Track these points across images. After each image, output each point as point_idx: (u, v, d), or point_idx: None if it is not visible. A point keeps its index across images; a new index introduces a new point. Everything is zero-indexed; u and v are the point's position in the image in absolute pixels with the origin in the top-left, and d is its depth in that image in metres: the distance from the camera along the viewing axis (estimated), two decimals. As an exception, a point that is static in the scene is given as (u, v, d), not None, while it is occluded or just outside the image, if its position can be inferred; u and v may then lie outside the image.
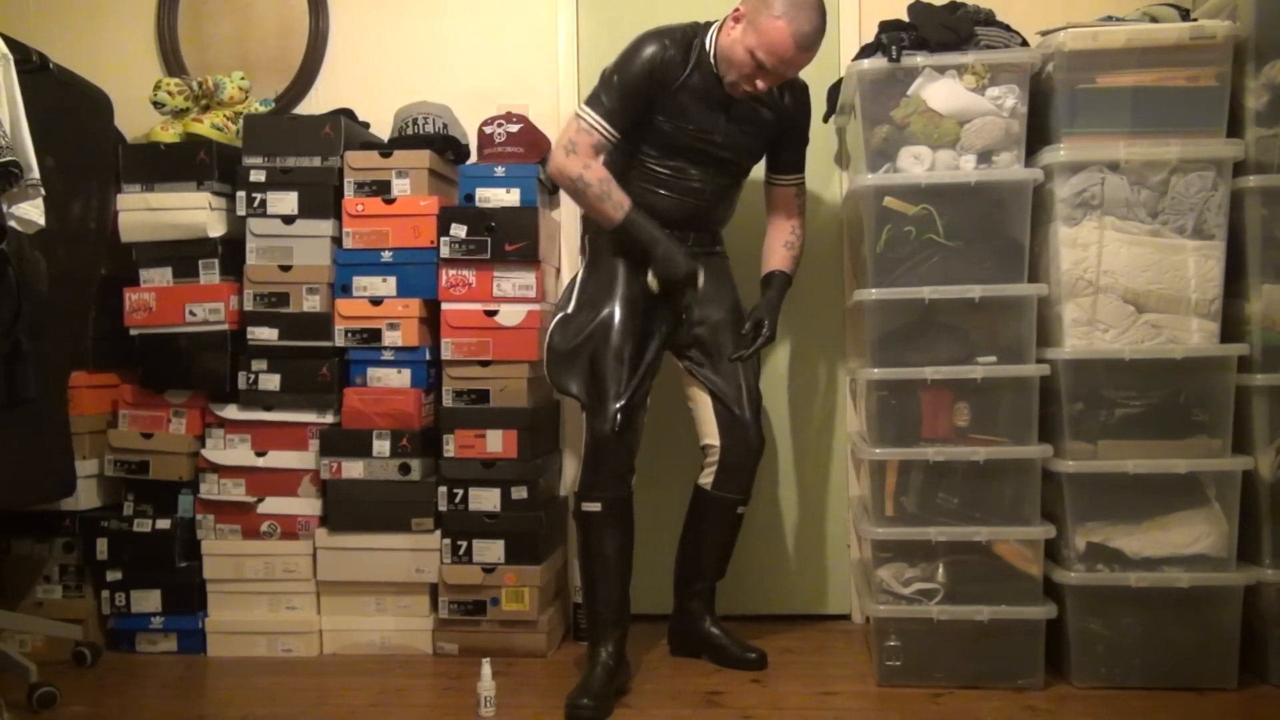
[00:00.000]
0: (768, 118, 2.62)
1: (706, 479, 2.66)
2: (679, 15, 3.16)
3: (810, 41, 2.42)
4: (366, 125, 3.13)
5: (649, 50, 2.50)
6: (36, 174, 2.26)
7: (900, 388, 2.51)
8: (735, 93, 2.51)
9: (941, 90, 2.50)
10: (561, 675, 2.59)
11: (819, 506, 3.15)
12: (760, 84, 2.47)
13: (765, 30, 2.39)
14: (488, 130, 2.95)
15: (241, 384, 2.86)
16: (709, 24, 2.56)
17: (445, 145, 2.99)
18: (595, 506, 2.47)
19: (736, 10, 2.48)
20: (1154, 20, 2.52)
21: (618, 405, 2.45)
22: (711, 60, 2.52)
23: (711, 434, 2.63)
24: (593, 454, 2.47)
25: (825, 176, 3.13)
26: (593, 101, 2.51)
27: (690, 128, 2.55)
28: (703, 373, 2.64)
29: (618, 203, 2.50)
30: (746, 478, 2.64)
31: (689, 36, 2.54)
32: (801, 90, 2.68)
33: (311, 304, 2.87)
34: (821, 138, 2.96)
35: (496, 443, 2.79)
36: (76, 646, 2.76)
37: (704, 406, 2.65)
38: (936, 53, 2.51)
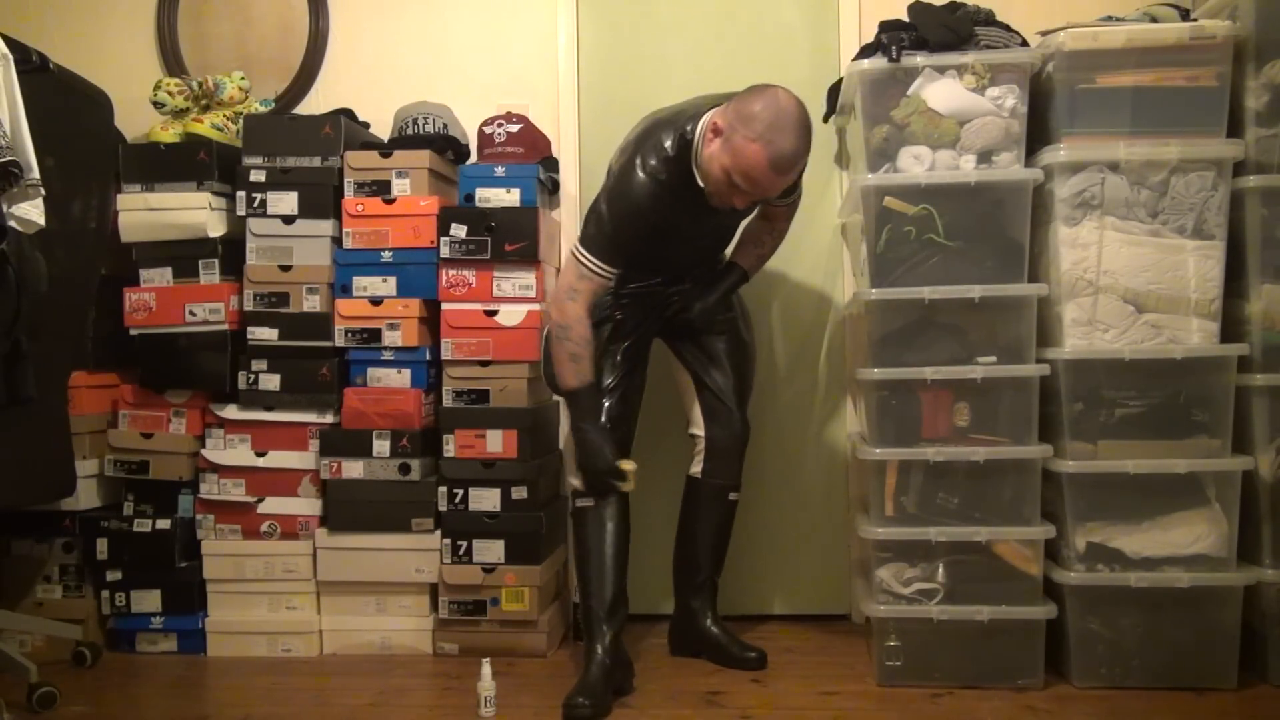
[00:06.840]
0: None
1: (696, 468, 2.70)
2: (679, 17, 3.19)
3: (788, 165, 2.25)
4: (366, 125, 3.13)
5: (640, 191, 2.33)
6: (36, 174, 2.26)
7: (900, 388, 2.51)
8: (715, 204, 2.37)
9: (941, 90, 2.50)
10: (561, 675, 2.59)
11: (819, 506, 3.15)
12: (738, 202, 2.33)
13: (740, 152, 2.22)
14: (488, 130, 2.95)
15: (241, 384, 2.86)
16: (708, 111, 2.35)
17: (445, 145, 2.99)
18: (588, 502, 2.49)
19: (715, 122, 2.29)
20: (1154, 20, 2.52)
21: (606, 402, 2.47)
22: (696, 169, 2.35)
23: (698, 423, 2.69)
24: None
25: (825, 176, 3.12)
26: (588, 242, 2.38)
27: (675, 237, 2.47)
28: (692, 361, 2.68)
29: (580, 372, 2.39)
30: (734, 464, 2.68)
31: (681, 143, 2.34)
32: None
33: (311, 304, 2.87)
34: (822, 138, 2.95)
35: (496, 443, 2.79)
36: (76, 646, 2.76)
37: (691, 395, 2.70)
38: (936, 53, 2.51)
